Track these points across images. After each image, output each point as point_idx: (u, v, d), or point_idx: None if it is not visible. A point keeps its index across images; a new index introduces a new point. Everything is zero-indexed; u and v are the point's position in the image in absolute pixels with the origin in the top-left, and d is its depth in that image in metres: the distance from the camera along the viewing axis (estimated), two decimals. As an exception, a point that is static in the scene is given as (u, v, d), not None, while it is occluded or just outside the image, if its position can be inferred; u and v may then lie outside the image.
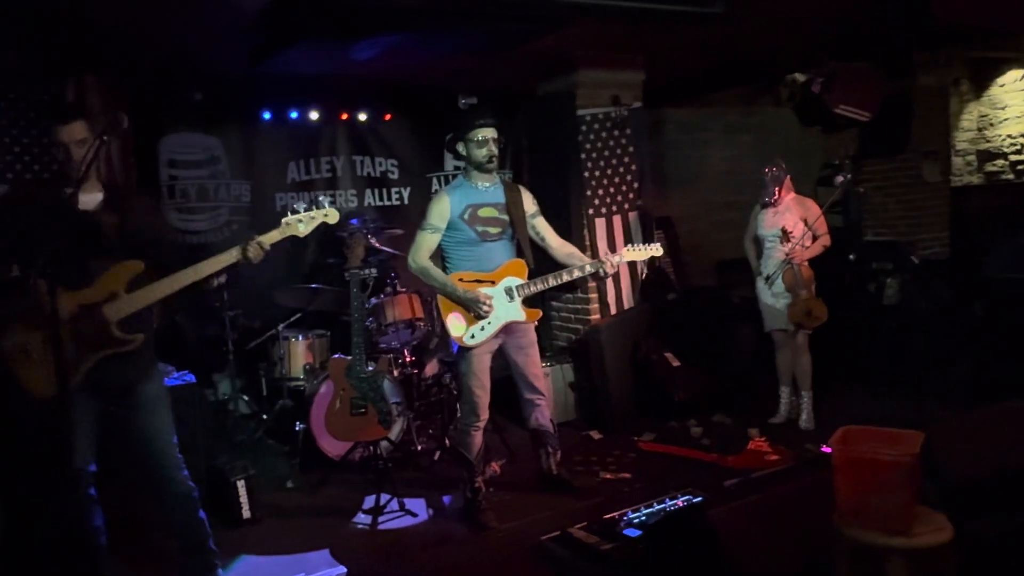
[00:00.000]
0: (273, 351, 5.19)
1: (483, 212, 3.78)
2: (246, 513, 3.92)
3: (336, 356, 4.17)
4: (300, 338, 5.15)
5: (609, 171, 5.79)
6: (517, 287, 3.78)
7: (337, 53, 4.22)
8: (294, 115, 5.82)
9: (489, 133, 3.75)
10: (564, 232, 5.74)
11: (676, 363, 5.41)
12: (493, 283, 3.78)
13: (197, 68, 5.06)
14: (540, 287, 3.83)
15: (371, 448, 4.18)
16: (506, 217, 3.82)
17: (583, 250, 5.63)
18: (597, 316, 5.72)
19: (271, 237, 3.09)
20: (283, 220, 3.15)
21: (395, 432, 4.70)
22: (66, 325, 2.73)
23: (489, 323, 3.74)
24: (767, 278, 5.00)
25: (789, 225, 4.85)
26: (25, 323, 2.76)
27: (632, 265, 5.87)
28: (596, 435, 5.11)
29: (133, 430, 3.02)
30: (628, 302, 5.85)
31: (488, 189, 3.84)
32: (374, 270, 5.29)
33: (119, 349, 2.88)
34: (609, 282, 5.76)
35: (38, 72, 3.92)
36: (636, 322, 5.57)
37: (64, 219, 2.81)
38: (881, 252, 7.33)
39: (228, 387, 5.31)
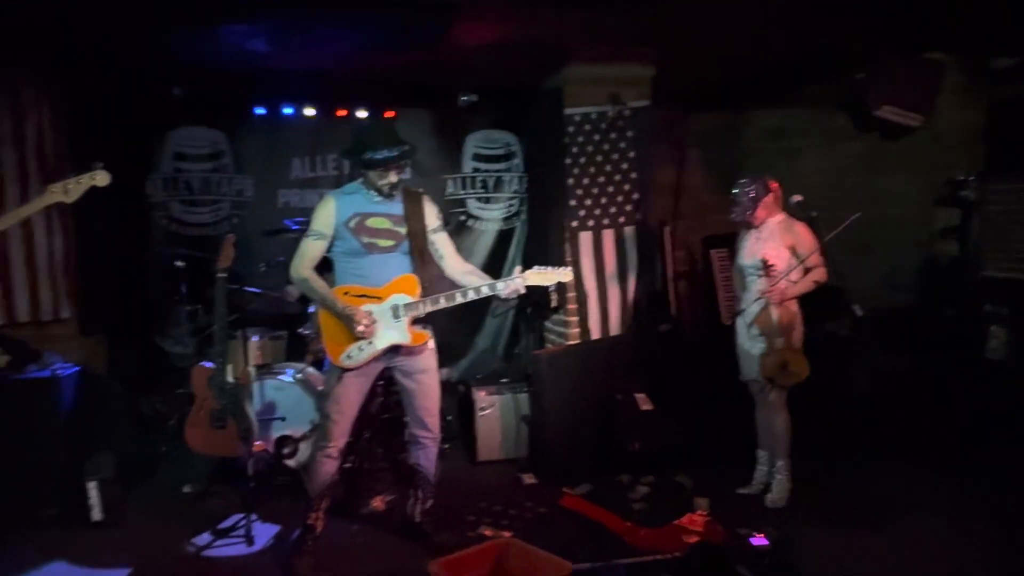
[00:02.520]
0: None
1: (373, 222, 3.39)
2: (96, 516, 3.84)
3: (202, 364, 3.96)
4: (254, 338, 5.02)
5: (602, 178, 5.07)
6: (404, 305, 3.35)
7: (227, 41, 3.99)
8: (288, 111, 5.71)
9: (393, 166, 3.36)
10: (544, 245, 5.19)
11: (647, 407, 4.61)
12: (380, 299, 3.37)
13: (198, 62, 5.04)
14: (430, 307, 3.36)
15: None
16: (402, 229, 3.41)
17: (565, 266, 5.05)
18: (576, 341, 5.06)
19: (32, 207, 3.01)
20: (48, 187, 3.02)
21: (306, 450, 4.42)
22: None
23: (369, 343, 3.35)
24: (737, 313, 4.08)
25: (771, 255, 3.91)
26: None
27: (623, 287, 5.11)
28: (529, 479, 4.48)
29: None
30: (615, 328, 5.10)
31: (384, 198, 3.43)
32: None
33: None
34: (594, 304, 5.08)
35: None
36: (609, 353, 4.83)
37: None
38: (998, 293, 5.89)
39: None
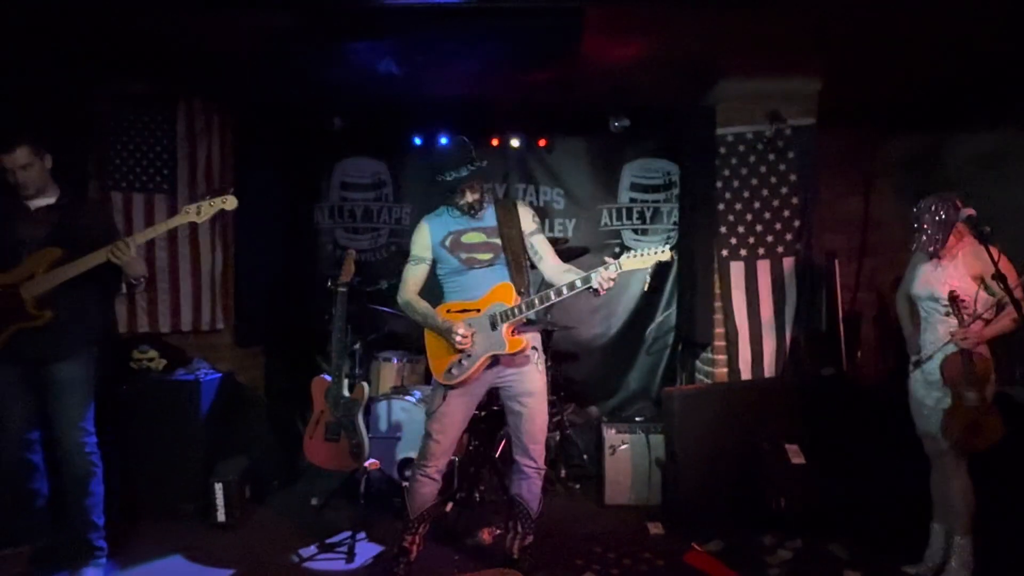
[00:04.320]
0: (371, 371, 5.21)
1: (468, 238, 3.35)
2: (220, 517, 3.99)
3: (320, 376, 4.02)
4: (395, 360, 5.09)
5: (757, 204, 4.61)
6: (501, 313, 3.23)
7: (359, 63, 4.10)
8: (445, 141, 5.81)
9: (465, 186, 3.32)
10: (691, 275, 4.80)
11: (798, 460, 4.02)
12: (479, 311, 3.28)
13: (353, 91, 5.27)
14: (527, 311, 3.20)
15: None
16: (497, 240, 3.33)
17: (711, 299, 4.65)
18: (723, 381, 4.59)
19: (168, 224, 3.27)
20: (183, 207, 3.30)
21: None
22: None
23: (469, 356, 3.25)
24: (916, 362, 3.43)
25: (959, 287, 3.26)
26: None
27: (780, 324, 4.57)
28: (655, 528, 4.06)
29: (45, 406, 3.30)
30: (769, 369, 4.56)
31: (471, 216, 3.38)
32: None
33: (30, 323, 3.18)
34: (745, 341, 4.59)
35: (153, 97, 4.61)
36: (756, 396, 4.30)
37: (7, 216, 3.26)
38: None
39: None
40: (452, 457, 4.43)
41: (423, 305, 3.34)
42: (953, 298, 3.23)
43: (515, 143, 5.84)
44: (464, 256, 3.30)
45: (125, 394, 4.13)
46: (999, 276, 3.00)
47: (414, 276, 3.39)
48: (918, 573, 3.47)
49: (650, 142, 5.95)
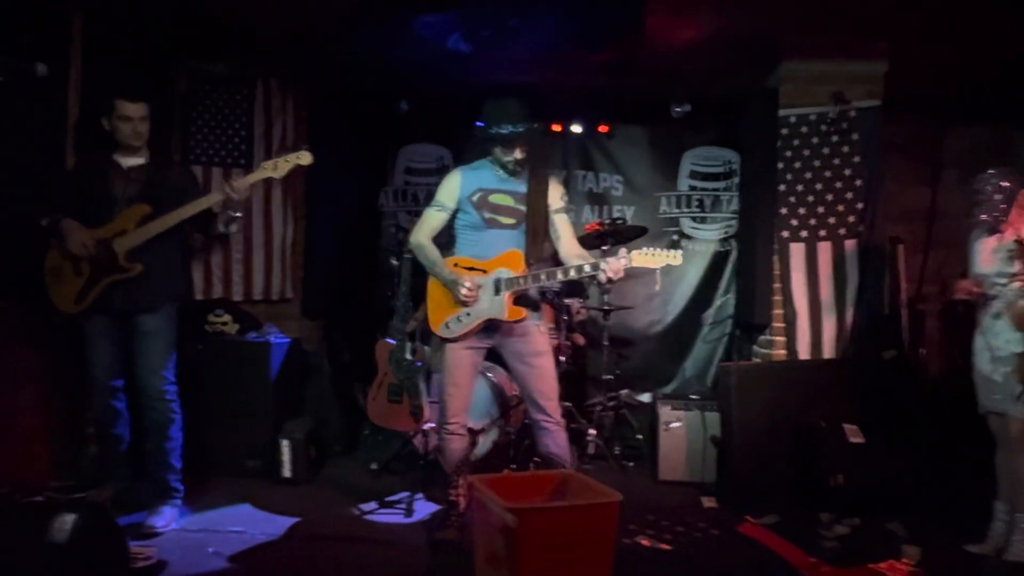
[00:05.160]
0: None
1: (495, 198, 3.40)
2: (286, 473, 4.17)
3: (384, 340, 4.16)
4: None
5: (819, 185, 4.59)
6: (506, 280, 3.28)
7: (427, 38, 4.23)
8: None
9: (518, 142, 3.34)
10: (750, 256, 4.81)
11: (857, 439, 3.99)
12: (485, 273, 3.34)
13: (420, 74, 5.41)
14: (531, 284, 3.25)
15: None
16: (523, 208, 3.39)
17: (770, 280, 4.66)
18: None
19: (250, 178, 3.46)
20: (262, 164, 3.48)
21: (485, 444, 4.44)
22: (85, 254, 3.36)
23: (468, 314, 3.32)
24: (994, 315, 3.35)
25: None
26: (61, 252, 3.42)
27: (840, 306, 4.54)
28: (709, 502, 4.07)
29: (131, 355, 3.51)
30: (829, 351, 4.53)
31: (508, 176, 3.45)
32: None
33: (122, 276, 3.39)
34: (804, 323, 4.57)
35: (232, 77, 4.85)
36: (814, 375, 4.28)
37: (101, 174, 3.49)
38: None
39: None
40: (508, 428, 4.53)
41: (434, 252, 3.38)
42: (1019, 244, 3.17)
43: (576, 129, 5.92)
44: (487, 215, 3.33)
45: (200, 354, 4.33)
46: None
47: (431, 222, 3.42)
48: (981, 552, 3.41)
49: (711, 131, 5.98)
